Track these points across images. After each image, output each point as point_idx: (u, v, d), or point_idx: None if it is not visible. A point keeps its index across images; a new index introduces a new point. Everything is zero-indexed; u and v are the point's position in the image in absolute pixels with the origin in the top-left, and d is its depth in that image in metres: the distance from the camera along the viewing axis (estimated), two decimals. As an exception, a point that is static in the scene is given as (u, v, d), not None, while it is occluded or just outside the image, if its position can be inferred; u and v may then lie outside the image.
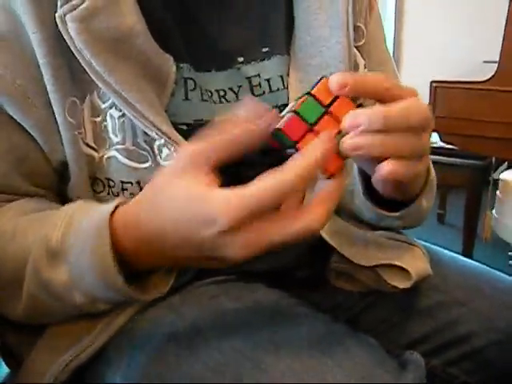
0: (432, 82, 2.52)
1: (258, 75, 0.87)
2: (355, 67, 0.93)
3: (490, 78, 2.37)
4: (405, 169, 0.64)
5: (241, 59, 0.86)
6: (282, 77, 0.88)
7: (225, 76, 0.85)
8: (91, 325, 0.77)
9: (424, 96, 2.54)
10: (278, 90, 0.88)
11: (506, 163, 3.19)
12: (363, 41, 0.96)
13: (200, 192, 0.60)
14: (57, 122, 0.77)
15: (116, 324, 0.77)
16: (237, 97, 0.85)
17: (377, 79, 0.65)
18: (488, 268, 1.04)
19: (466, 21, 4.56)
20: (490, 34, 2.48)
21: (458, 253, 1.04)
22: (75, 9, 0.73)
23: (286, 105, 0.85)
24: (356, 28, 0.94)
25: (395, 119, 0.62)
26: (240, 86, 0.86)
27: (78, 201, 0.75)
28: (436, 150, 2.92)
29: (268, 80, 0.87)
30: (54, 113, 0.76)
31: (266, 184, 0.58)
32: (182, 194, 0.62)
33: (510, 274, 1.02)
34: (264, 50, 0.88)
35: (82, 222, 0.70)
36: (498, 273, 1.02)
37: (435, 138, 2.68)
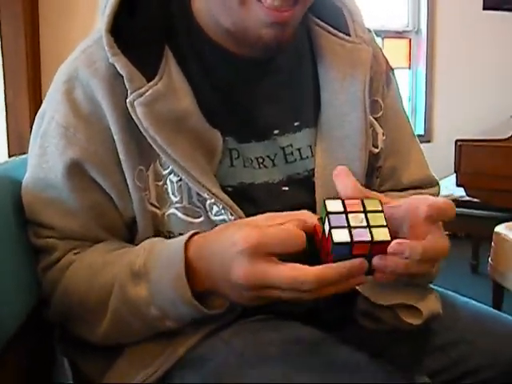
0: (457, 140, 2.60)
1: (291, 145, 1.02)
2: (373, 135, 1.07)
3: (511, 137, 2.44)
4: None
5: (276, 132, 1.01)
6: (310, 146, 1.03)
7: (263, 146, 1.00)
8: (157, 354, 0.92)
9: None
10: (308, 157, 1.03)
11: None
12: (381, 112, 1.10)
13: (239, 232, 0.79)
14: (128, 185, 0.93)
15: (177, 354, 0.92)
16: (273, 163, 1.00)
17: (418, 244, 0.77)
18: (496, 311, 1.14)
19: (495, 77, 4.63)
20: None
21: (488, 302, 1.09)
22: (142, 95, 0.90)
23: (313, 169, 1.01)
24: (374, 102, 1.08)
25: (429, 254, 0.77)
26: (276, 154, 1.01)
27: (156, 238, 0.93)
28: (465, 204, 2.98)
29: (299, 149, 1.02)
30: (125, 178, 0.93)
31: (291, 274, 0.75)
32: (228, 238, 0.80)
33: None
34: (296, 123, 1.03)
35: (162, 250, 0.88)
36: (504, 315, 1.12)
37: (461, 193, 2.74)
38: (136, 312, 0.89)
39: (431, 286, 1.06)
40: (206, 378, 0.88)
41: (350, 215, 0.77)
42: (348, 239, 0.75)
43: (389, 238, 0.76)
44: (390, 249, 0.75)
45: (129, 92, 0.90)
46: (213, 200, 0.91)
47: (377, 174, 1.10)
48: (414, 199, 0.82)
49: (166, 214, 0.95)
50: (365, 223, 0.77)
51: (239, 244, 0.77)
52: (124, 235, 0.99)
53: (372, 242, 0.76)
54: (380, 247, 0.76)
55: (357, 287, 0.98)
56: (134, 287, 0.88)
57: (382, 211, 0.78)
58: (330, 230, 0.76)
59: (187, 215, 0.94)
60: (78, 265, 0.95)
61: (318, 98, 1.05)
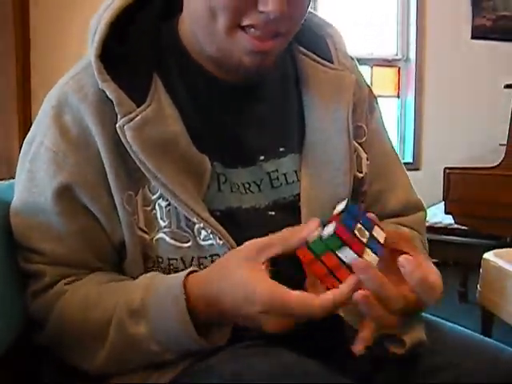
0: (445, 168, 2.62)
1: (277, 170, 1.03)
2: (357, 160, 1.09)
3: (499, 164, 2.45)
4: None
5: (262, 157, 1.03)
6: (295, 171, 1.05)
7: (249, 171, 1.02)
8: (145, 379, 0.93)
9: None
10: (293, 182, 1.04)
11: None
12: (365, 138, 1.12)
13: (253, 281, 0.82)
14: (116, 209, 0.94)
15: (164, 380, 0.92)
16: (259, 188, 1.02)
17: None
18: (481, 336, 1.14)
19: (484, 105, 4.65)
20: (506, 119, 2.55)
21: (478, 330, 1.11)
22: (131, 120, 0.91)
23: (299, 194, 1.03)
24: (358, 127, 1.11)
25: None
26: (262, 180, 1.02)
27: (150, 273, 0.95)
28: (453, 231, 3.01)
29: (285, 174, 1.04)
30: (114, 202, 0.94)
31: (303, 302, 0.80)
32: (239, 281, 0.84)
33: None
34: (281, 149, 1.05)
35: (159, 287, 0.90)
36: (488, 339, 1.13)
37: (450, 220, 2.75)
38: (136, 348, 0.90)
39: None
40: None
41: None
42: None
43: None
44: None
45: (118, 117, 0.91)
46: (201, 224, 0.92)
47: (362, 199, 1.11)
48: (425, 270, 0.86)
49: (155, 238, 0.95)
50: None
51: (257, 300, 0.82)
52: (113, 260, 0.99)
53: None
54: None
55: (342, 315, 1.00)
56: (133, 324, 0.90)
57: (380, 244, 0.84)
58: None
59: (175, 240, 0.95)
60: (71, 295, 0.96)
61: (302, 123, 1.07)
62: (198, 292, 0.87)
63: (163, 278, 0.92)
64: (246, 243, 0.86)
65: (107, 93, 0.92)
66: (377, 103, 1.19)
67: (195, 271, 0.91)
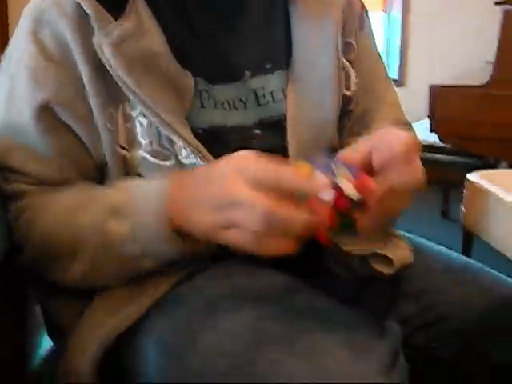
0: (431, 86, 2.59)
1: (263, 87, 1.00)
2: (346, 78, 1.06)
3: (486, 83, 2.43)
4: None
5: (248, 73, 1.00)
6: (283, 90, 1.02)
7: (234, 88, 0.99)
8: (128, 300, 0.91)
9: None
10: (280, 100, 1.01)
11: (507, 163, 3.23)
12: (354, 54, 1.09)
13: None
14: (98, 127, 0.91)
15: (148, 300, 0.91)
16: (245, 106, 0.99)
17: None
18: (466, 259, 1.15)
19: (471, 22, 4.60)
20: (493, 36, 2.51)
21: (458, 248, 1.12)
22: (109, 35, 0.88)
23: (284, 115, 1.00)
24: (347, 44, 1.08)
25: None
26: (247, 97, 0.99)
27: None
28: (437, 150, 3.01)
29: (271, 92, 1.01)
30: (95, 120, 0.91)
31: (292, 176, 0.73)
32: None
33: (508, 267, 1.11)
34: (267, 65, 1.01)
35: (141, 185, 0.87)
36: (474, 262, 1.14)
37: (434, 138, 2.75)
38: (114, 250, 0.87)
39: (403, 234, 1.08)
40: (176, 326, 0.88)
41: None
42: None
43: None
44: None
45: (96, 31, 0.88)
46: (182, 143, 0.90)
47: (348, 117, 1.09)
48: (384, 132, 0.83)
49: (136, 156, 0.93)
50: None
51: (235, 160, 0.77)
52: (96, 179, 0.97)
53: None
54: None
55: (330, 237, 0.99)
56: (113, 224, 0.87)
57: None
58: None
59: (157, 158, 0.92)
60: (53, 206, 0.93)
61: (290, 40, 1.04)
62: (177, 191, 0.83)
63: (146, 179, 0.90)
64: (244, 156, 0.78)
65: (84, 7, 0.88)
66: (368, 16, 1.16)
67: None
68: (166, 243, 0.84)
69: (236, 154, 0.78)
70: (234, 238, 0.76)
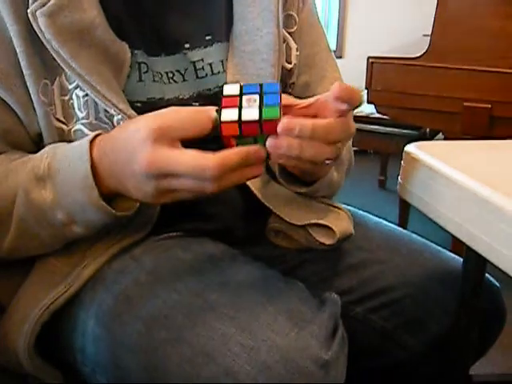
0: (369, 57, 2.60)
1: (202, 60, 0.99)
2: (287, 51, 1.05)
3: (422, 55, 2.45)
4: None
5: (186, 45, 0.98)
6: (222, 62, 1.01)
7: (173, 60, 0.97)
8: (66, 273, 0.90)
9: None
10: (219, 72, 1.00)
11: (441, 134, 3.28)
12: (296, 27, 1.08)
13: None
14: (32, 100, 0.89)
15: (87, 273, 0.90)
16: (183, 78, 0.98)
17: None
18: (406, 231, 1.18)
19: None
20: (430, 10, 2.54)
21: (395, 217, 1.13)
22: (44, 5, 0.85)
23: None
24: (289, 16, 1.07)
25: (321, 133, 0.75)
26: (186, 69, 0.98)
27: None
28: (374, 120, 3.05)
29: (210, 64, 1.00)
30: (30, 92, 0.88)
31: (193, 159, 0.72)
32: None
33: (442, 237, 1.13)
34: (207, 37, 1.00)
35: (66, 151, 0.85)
36: (413, 235, 1.16)
37: (372, 109, 2.77)
38: (42, 218, 0.86)
39: (343, 205, 1.08)
40: (116, 297, 0.87)
41: (244, 97, 0.76)
42: (235, 118, 0.74)
43: (278, 116, 0.74)
44: (279, 127, 0.73)
45: (31, 1, 0.85)
46: (120, 116, 0.88)
47: (289, 91, 1.08)
48: (323, 95, 0.81)
49: (73, 129, 0.91)
50: (257, 103, 0.75)
51: (142, 130, 0.75)
52: (32, 152, 0.93)
53: (261, 121, 0.74)
54: (271, 126, 0.74)
55: (270, 206, 1.01)
56: (38, 191, 0.84)
57: (277, 92, 0.76)
58: (220, 111, 0.75)
59: (94, 131, 0.88)
60: None
61: (231, 12, 1.03)
62: (100, 154, 0.82)
63: (71, 143, 0.87)
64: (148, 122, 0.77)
65: None
66: None
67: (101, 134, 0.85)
68: (93, 210, 0.83)
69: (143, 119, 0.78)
70: (182, 196, 0.77)
